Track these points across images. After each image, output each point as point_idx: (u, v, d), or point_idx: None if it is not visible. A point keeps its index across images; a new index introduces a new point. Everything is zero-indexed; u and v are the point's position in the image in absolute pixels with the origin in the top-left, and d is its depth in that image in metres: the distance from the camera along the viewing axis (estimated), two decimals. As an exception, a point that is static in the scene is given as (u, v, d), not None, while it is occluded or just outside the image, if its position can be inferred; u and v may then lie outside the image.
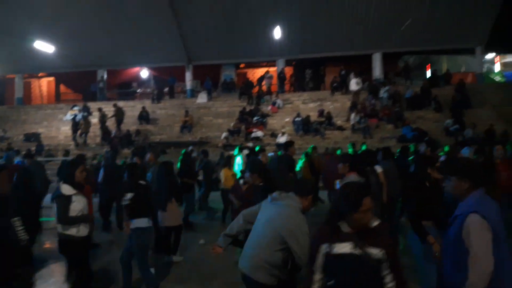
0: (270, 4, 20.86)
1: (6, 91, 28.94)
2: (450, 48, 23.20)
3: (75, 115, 21.58)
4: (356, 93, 20.03)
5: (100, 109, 20.16)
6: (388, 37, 21.99)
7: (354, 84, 20.05)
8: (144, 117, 21.03)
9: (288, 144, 7.75)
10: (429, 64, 25.38)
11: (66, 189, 4.23)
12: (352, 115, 18.26)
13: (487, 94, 20.01)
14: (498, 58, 26.06)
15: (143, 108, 21.32)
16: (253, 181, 4.89)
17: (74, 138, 19.39)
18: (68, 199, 4.19)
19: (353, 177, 4.48)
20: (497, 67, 25.86)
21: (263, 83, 23.06)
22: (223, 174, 9.10)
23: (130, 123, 20.88)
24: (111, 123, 20.10)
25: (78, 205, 4.24)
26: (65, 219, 4.19)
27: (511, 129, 16.18)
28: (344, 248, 2.33)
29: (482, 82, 22.24)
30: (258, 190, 4.59)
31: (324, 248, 2.40)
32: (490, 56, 25.47)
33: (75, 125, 19.35)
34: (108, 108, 23.08)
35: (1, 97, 28.45)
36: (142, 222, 4.72)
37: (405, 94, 19.90)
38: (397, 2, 20.43)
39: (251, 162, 5.62)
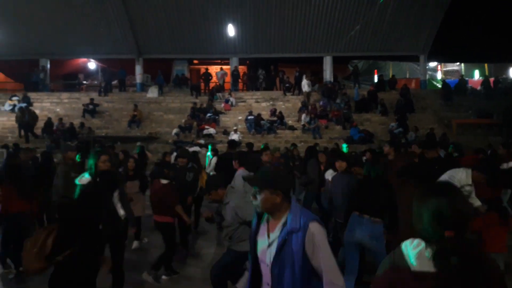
0: (224, 1, 20.78)
1: None
2: (396, 55, 24.37)
3: (15, 106, 20.25)
4: (308, 94, 20.44)
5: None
6: (338, 42, 22.70)
7: (306, 85, 20.45)
8: (89, 110, 20.06)
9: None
10: (376, 70, 26.39)
11: (83, 179, 4.18)
12: (303, 116, 18.58)
13: (429, 99, 21.17)
14: (440, 66, 27.64)
15: (91, 100, 20.35)
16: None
17: (23, 134, 17.70)
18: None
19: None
20: (439, 75, 27.42)
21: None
22: None
23: (75, 116, 19.88)
24: (54, 116, 19.02)
25: None
26: None
27: (450, 133, 17.19)
28: None
29: (425, 88, 23.49)
30: None
31: None
32: (433, 64, 26.94)
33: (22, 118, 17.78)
34: (51, 100, 21.98)
35: None
36: None
37: (353, 97, 20.56)
38: (347, 9, 21.18)
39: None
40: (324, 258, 2.16)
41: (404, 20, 21.58)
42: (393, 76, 23.74)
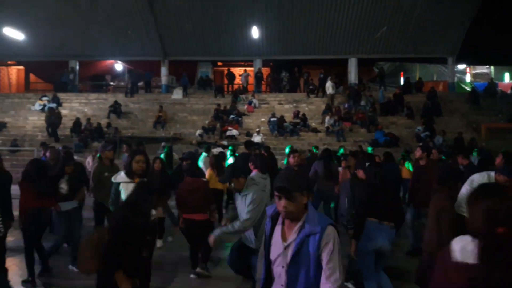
0: (248, 3, 20.85)
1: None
2: (423, 57, 23.88)
3: (44, 105, 20.87)
4: (332, 96, 20.26)
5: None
6: (364, 43, 22.42)
7: (330, 87, 20.27)
8: (115, 110, 20.47)
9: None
10: (403, 72, 25.91)
11: (118, 177, 4.37)
12: (327, 118, 18.42)
13: (457, 103, 20.64)
14: (469, 69, 26.91)
15: (115, 101, 20.79)
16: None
17: (51, 133, 18.08)
18: (116, 186, 4.32)
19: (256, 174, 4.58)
20: (468, 78, 26.69)
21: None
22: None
23: (102, 116, 20.33)
24: (82, 116, 19.51)
25: (124, 194, 4.19)
26: (113, 204, 4.32)
27: (479, 137, 16.71)
28: None
29: (453, 91, 22.91)
30: None
31: None
32: (461, 66, 26.26)
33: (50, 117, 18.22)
34: (79, 100, 22.56)
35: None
36: None
37: (378, 99, 20.25)
38: (373, 10, 20.85)
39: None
40: (332, 259, 2.20)
41: (432, 21, 21.10)
42: (419, 78, 23.25)
